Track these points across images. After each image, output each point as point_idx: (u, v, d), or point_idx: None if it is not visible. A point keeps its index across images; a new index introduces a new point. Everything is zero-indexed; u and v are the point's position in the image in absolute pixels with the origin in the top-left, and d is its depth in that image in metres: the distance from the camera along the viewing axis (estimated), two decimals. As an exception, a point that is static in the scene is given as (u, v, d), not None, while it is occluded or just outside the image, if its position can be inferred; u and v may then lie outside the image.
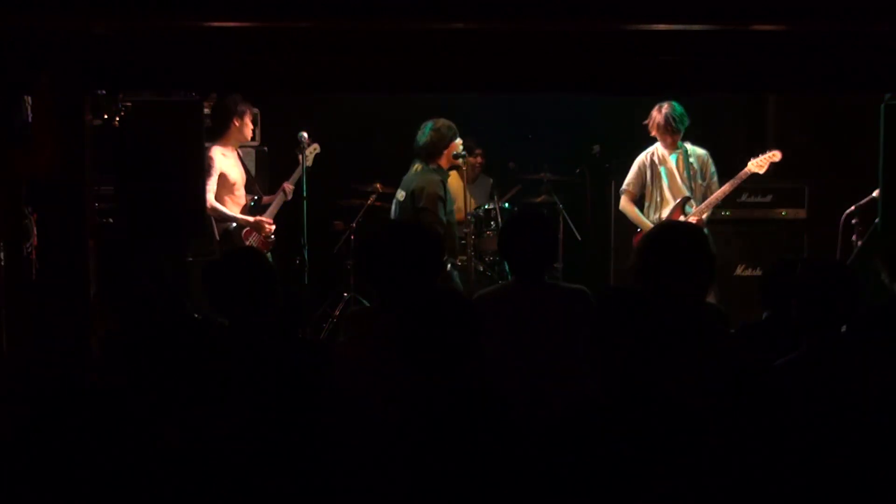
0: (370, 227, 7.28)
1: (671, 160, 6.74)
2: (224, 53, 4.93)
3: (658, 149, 6.80)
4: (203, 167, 5.63)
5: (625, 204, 6.88)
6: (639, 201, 6.87)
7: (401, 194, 6.67)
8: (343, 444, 3.16)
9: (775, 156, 6.58)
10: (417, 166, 6.64)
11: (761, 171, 6.58)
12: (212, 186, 6.44)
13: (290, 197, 6.89)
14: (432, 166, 6.61)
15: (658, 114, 6.64)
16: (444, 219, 6.53)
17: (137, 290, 4.03)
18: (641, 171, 6.82)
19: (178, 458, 2.88)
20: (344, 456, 3.09)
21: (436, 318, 3.03)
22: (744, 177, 6.60)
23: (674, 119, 6.59)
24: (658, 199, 6.79)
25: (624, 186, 6.87)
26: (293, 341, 4.10)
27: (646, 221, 6.74)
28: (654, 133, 6.72)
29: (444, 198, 6.56)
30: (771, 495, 3.03)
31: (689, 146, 6.69)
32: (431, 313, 3.05)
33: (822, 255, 6.68)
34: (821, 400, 3.21)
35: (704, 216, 6.65)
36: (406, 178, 6.69)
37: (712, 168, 6.73)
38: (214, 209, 6.49)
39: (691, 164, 6.65)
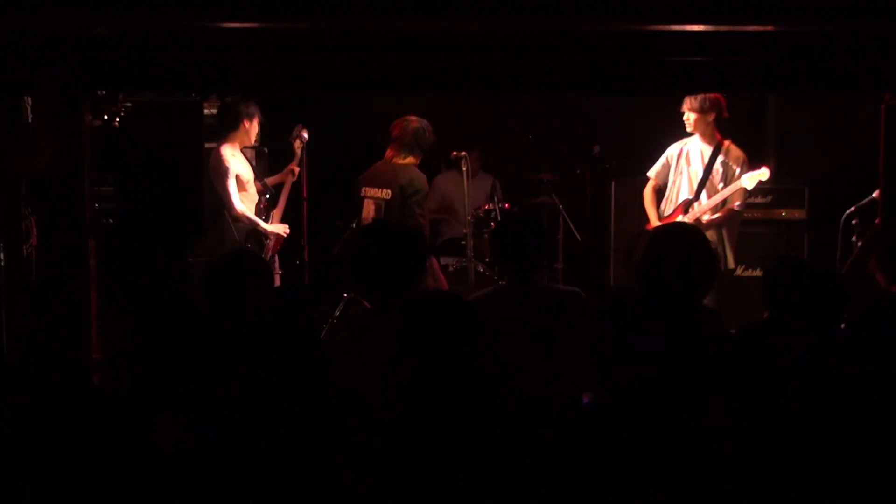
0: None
1: (695, 160, 6.57)
2: (224, 53, 4.93)
3: (688, 145, 6.63)
4: (201, 167, 5.63)
5: (646, 191, 6.74)
6: (661, 191, 6.74)
7: (385, 192, 6.58)
8: (343, 443, 3.16)
9: (764, 174, 6.41)
10: (398, 159, 6.55)
11: (750, 188, 6.47)
12: (232, 190, 6.36)
13: (296, 177, 6.80)
14: (411, 160, 6.55)
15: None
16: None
17: (143, 290, 4.04)
18: (667, 165, 6.67)
19: (179, 458, 2.88)
20: (344, 456, 3.09)
21: (437, 319, 3.03)
22: (735, 189, 6.47)
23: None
24: (674, 197, 6.65)
25: (650, 173, 6.76)
26: (291, 341, 4.11)
27: (652, 214, 6.64)
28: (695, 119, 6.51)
29: (428, 194, 6.56)
30: (773, 495, 3.03)
31: (728, 144, 6.50)
32: (432, 314, 3.04)
33: (811, 258, 6.68)
34: (821, 400, 3.21)
35: (704, 218, 6.51)
36: (383, 173, 6.57)
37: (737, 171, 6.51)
38: (245, 216, 6.44)
39: (721, 164, 6.49)
